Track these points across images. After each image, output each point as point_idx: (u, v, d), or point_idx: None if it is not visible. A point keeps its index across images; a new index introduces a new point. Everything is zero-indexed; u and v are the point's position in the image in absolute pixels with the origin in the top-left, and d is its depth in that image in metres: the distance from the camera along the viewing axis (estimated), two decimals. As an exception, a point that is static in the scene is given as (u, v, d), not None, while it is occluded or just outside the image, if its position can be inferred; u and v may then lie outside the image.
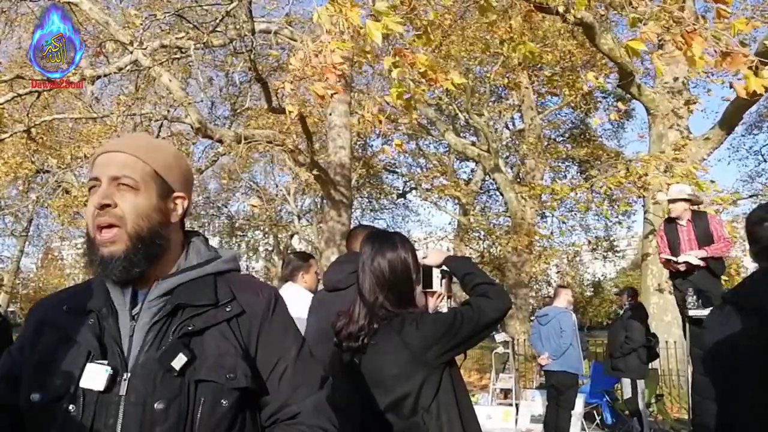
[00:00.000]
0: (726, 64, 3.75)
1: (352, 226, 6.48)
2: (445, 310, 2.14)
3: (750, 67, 3.67)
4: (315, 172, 8.27)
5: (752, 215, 2.04)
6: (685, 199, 4.92)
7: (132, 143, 1.17)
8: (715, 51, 3.87)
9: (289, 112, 4.79)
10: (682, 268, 4.62)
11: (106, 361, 1.06)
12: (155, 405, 1.01)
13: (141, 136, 1.25)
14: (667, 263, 4.90)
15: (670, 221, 5.01)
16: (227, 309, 1.13)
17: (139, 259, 1.10)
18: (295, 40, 8.13)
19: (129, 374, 1.06)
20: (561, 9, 6.29)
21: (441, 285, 2.18)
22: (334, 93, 4.07)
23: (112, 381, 1.04)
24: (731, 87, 4.04)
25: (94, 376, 1.04)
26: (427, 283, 2.14)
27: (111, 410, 1.03)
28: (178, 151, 1.25)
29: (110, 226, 1.10)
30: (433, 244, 21.72)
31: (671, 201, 4.99)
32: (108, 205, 1.09)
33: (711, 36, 3.89)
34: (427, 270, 2.14)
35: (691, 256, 4.59)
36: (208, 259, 1.21)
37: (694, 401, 2.13)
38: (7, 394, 1.11)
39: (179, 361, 1.04)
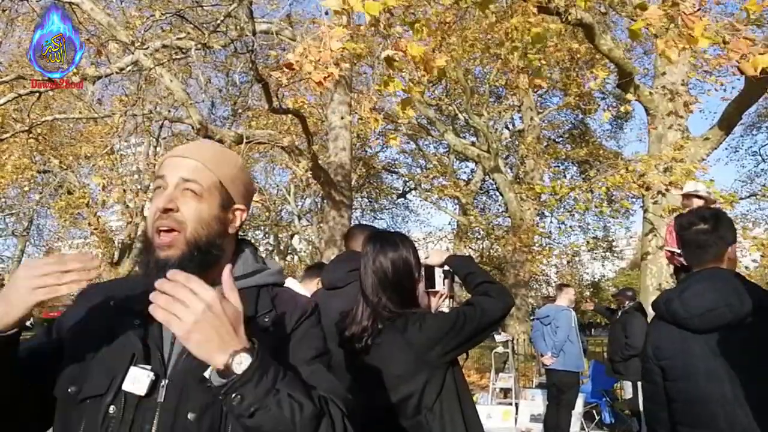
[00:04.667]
0: (728, 48, 3.75)
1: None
2: (447, 310, 2.15)
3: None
4: (315, 172, 8.29)
5: (682, 220, 2.03)
6: (699, 196, 4.99)
7: (201, 151, 1.18)
8: (717, 46, 3.86)
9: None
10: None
11: (149, 366, 1.06)
12: (188, 415, 1.01)
13: (210, 145, 1.24)
14: (671, 256, 4.97)
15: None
16: (265, 320, 1.15)
17: (192, 267, 1.06)
18: (295, 40, 8.14)
19: (167, 381, 1.06)
20: (561, 8, 6.29)
21: (443, 285, 2.19)
22: (327, 77, 3.97)
23: (153, 387, 1.05)
24: (738, 70, 4.00)
25: (138, 380, 1.04)
26: (430, 283, 2.15)
27: (148, 416, 1.03)
28: (243, 163, 1.26)
29: (170, 230, 1.10)
30: (432, 244, 21.73)
31: (686, 196, 5.06)
32: (171, 209, 1.10)
33: (713, 32, 3.89)
34: (430, 270, 2.15)
35: None
36: (254, 270, 1.23)
37: (645, 407, 2.16)
38: (32, 370, 1.08)
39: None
